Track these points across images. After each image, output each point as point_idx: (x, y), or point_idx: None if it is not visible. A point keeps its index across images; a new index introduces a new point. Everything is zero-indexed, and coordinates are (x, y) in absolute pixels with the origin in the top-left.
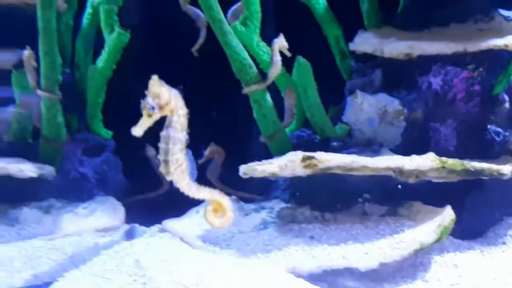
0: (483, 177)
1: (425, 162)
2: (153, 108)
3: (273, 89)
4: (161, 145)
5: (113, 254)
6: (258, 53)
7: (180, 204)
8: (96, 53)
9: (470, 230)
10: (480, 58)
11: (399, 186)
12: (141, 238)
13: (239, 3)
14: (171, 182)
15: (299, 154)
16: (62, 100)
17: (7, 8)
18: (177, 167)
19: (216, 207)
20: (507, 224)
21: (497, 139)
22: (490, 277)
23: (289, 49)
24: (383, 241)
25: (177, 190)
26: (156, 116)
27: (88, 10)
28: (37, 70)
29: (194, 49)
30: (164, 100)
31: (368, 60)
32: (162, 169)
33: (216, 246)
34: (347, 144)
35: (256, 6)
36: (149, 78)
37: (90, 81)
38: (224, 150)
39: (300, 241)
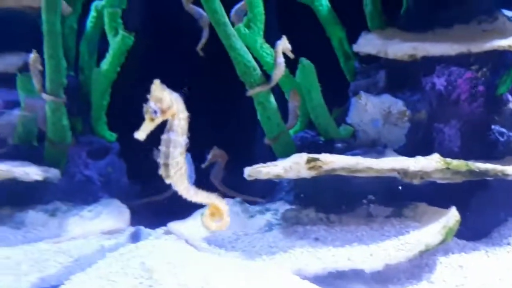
0: (488, 178)
1: (430, 163)
2: (155, 112)
3: (277, 91)
4: (162, 148)
5: (119, 256)
6: (262, 55)
7: (185, 207)
8: (100, 56)
9: (475, 231)
10: (484, 58)
11: (402, 188)
12: (147, 240)
13: (242, 3)
14: None
15: (304, 156)
16: (67, 103)
17: (12, 12)
18: (177, 170)
19: (213, 211)
20: None
21: (501, 139)
22: (495, 278)
23: (292, 51)
24: (388, 243)
25: None
26: (159, 120)
27: (92, 13)
28: (42, 73)
29: (198, 48)
30: (166, 104)
31: (372, 61)
32: (162, 172)
33: (221, 248)
34: (351, 145)
35: (260, 9)
36: (152, 80)
37: (95, 84)
38: (228, 152)
39: (305, 243)
